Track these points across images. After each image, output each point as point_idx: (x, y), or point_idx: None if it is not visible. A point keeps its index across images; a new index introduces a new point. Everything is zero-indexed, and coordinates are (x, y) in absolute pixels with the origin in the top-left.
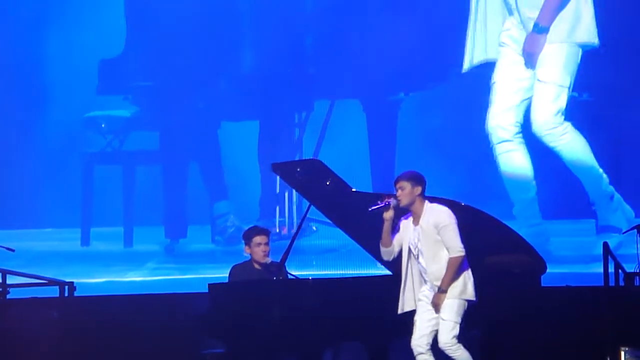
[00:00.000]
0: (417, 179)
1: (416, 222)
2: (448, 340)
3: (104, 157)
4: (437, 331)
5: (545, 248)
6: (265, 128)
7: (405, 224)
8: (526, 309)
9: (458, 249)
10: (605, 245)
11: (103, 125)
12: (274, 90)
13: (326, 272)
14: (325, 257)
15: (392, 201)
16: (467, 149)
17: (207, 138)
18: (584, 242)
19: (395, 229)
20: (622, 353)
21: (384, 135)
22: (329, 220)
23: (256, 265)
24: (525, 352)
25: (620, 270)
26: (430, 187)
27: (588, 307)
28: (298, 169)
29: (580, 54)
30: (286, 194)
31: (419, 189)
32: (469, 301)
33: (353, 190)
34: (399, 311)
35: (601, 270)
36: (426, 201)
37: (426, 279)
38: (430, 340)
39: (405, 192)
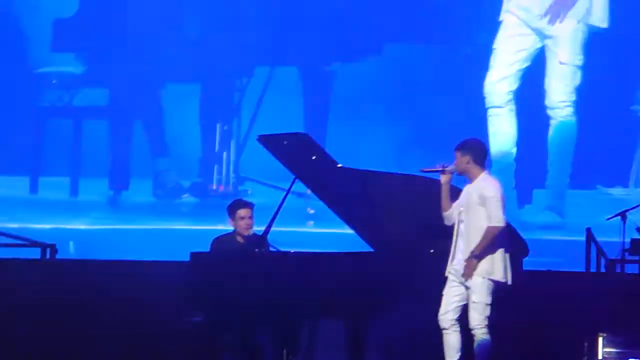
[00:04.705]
0: (464, 147)
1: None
2: (480, 321)
3: (55, 112)
4: (461, 307)
5: (516, 215)
6: (206, 91)
7: (465, 189)
8: (507, 292)
9: (498, 218)
10: (588, 230)
11: (54, 81)
12: (216, 56)
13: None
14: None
15: (449, 167)
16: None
17: (151, 97)
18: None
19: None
20: (600, 339)
21: (318, 103)
22: (265, 181)
23: (239, 238)
24: (503, 336)
25: (602, 257)
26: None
27: (568, 292)
28: (285, 142)
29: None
30: (224, 154)
31: (466, 157)
32: (497, 282)
33: (339, 165)
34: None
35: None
36: (485, 171)
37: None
38: (456, 317)
39: (457, 160)
